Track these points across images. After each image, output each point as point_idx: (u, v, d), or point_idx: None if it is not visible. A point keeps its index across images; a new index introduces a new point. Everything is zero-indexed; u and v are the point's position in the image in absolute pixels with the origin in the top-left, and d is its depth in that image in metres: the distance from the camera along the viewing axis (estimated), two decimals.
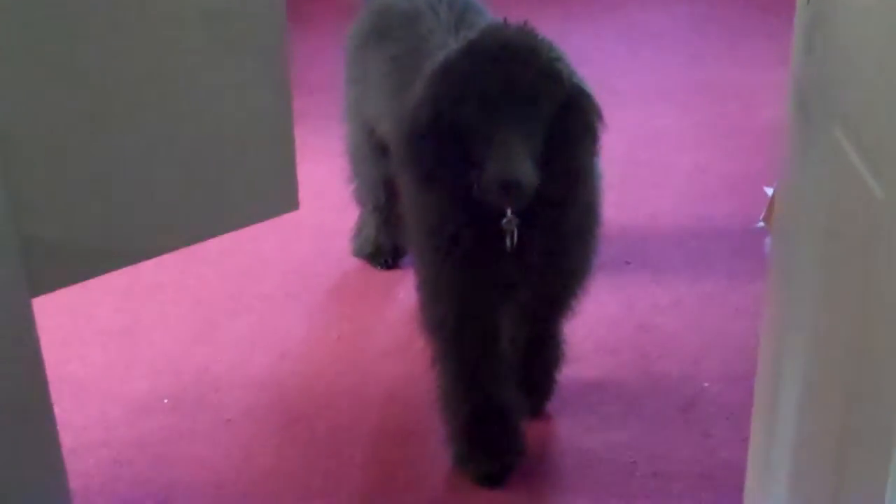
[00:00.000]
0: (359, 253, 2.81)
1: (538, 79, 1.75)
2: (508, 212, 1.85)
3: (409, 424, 2.27)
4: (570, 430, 2.23)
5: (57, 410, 1.60)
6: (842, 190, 1.28)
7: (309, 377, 2.41)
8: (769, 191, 2.82)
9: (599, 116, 1.86)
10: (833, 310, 1.34)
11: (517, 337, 2.16)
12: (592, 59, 3.70)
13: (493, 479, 2.09)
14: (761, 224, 2.83)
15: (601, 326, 2.50)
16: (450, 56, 1.82)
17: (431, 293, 2.05)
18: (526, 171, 1.72)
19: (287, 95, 1.69)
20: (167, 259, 1.94)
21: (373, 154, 2.58)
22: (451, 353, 2.08)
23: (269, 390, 2.37)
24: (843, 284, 1.30)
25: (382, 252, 2.77)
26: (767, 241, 2.78)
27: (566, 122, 1.81)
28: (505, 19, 1.87)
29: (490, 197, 1.76)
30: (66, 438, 1.78)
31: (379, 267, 2.78)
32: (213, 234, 1.75)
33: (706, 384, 2.35)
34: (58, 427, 1.60)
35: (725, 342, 2.47)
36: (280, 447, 2.21)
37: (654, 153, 3.28)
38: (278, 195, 1.74)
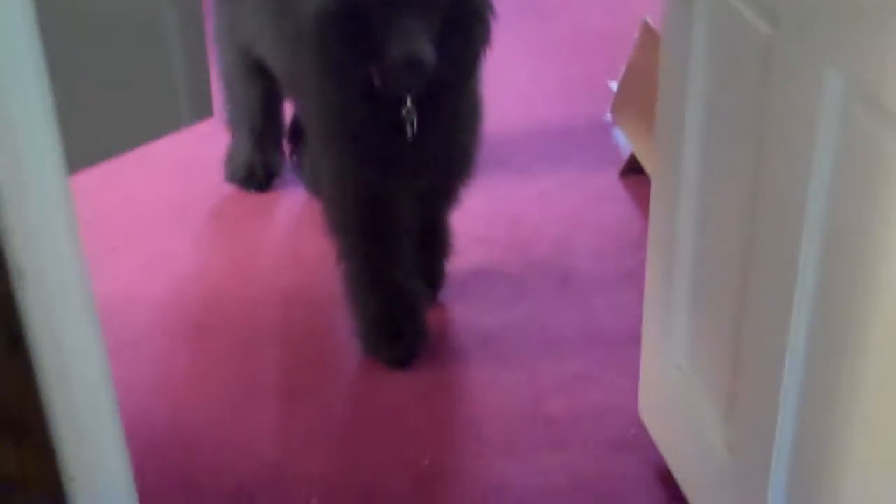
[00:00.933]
0: (231, 178, 2.86)
1: None
2: (408, 100, 1.96)
3: (313, 325, 2.38)
4: (464, 313, 2.38)
5: None
6: (726, 34, 1.46)
7: (208, 293, 2.48)
8: (613, 85, 3.03)
9: (491, 8, 1.99)
10: (725, 153, 1.53)
11: (410, 228, 2.28)
12: None
13: (403, 362, 2.23)
14: (608, 117, 3.05)
15: (479, 221, 2.66)
16: None
17: (337, 190, 2.17)
18: (426, 49, 1.85)
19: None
20: None
21: (248, 76, 2.63)
22: (358, 246, 2.20)
23: (171, 310, 2.44)
24: (732, 124, 1.48)
25: (256, 176, 2.83)
26: (615, 132, 3.01)
27: (459, 11, 1.93)
28: None
29: (393, 76, 1.88)
30: None
31: (253, 190, 2.84)
32: (132, 146, 1.81)
33: (578, 261, 2.55)
34: None
35: (589, 224, 2.68)
36: (193, 361, 2.29)
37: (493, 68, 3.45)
38: (193, 104, 1.82)
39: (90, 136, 1.65)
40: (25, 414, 1.19)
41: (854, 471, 1.23)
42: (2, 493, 1.19)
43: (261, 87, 2.62)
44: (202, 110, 1.84)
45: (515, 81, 3.37)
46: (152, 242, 2.67)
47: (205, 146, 2.95)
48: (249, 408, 2.15)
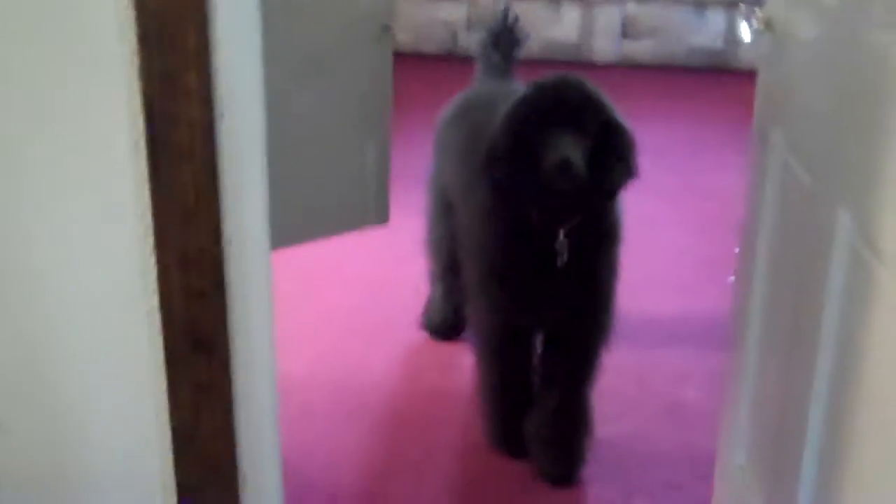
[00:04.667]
0: (426, 326, 3.06)
1: (584, 101, 2.15)
2: (561, 234, 2.20)
3: (453, 417, 2.67)
4: None
5: None
6: (788, 196, 1.73)
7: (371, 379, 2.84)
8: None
9: (633, 149, 2.20)
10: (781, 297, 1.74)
11: (547, 397, 2.42)
12: None
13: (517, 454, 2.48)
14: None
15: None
16: (520, 94, 2.22)
17: (483, 320, 2.42)
18: (575, 155, 2.09)
19: (387, 137, 2.15)
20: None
21: (443, 214, 2.83)
22: (492, 370, 2.46)
23: (345, 392, 2.77)
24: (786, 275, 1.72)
25: (444, 326, 3.01)
26: None
27: (605, 148, 2.15)
28: None
29: (548, 179, 2.09)
30: None
31: (439, 339, 3.02)
32: (325, 236, 2.19)
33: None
34: None
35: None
36: (359, 435, 2.59)
37: (647, 237, 3.77)
38: (373, 207, 2.19)
39: (295, 218, 2.03)
40: None
41: None
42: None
43: (450, 224, 2.76)
44: (382, 215, 2.21)
45: (661, 249, 3.67)
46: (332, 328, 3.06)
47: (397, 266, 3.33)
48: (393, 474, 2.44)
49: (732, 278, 3.20)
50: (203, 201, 1.37)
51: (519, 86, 2.38)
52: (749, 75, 1.89)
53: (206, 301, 1.41)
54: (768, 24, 1.82)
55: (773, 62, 1.83)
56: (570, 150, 2.09)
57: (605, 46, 6.04)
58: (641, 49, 6.05)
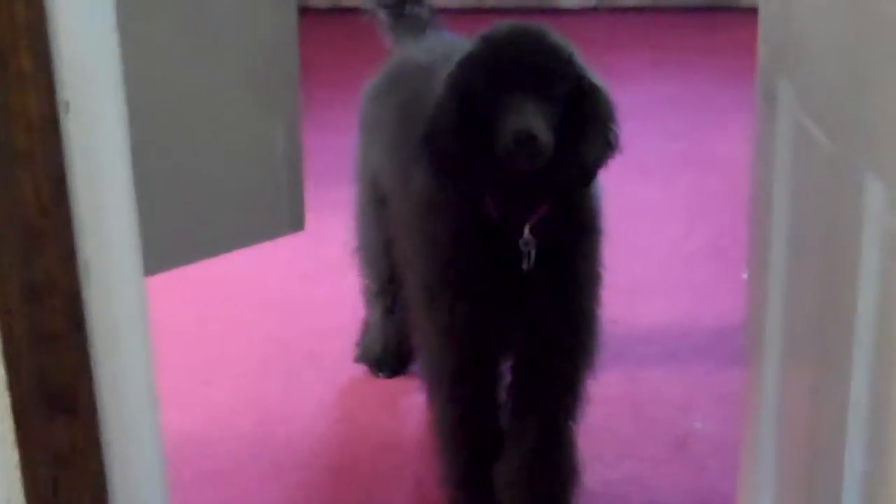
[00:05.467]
0: (362, 358, 3.07)
1: (548, 56, 2.14)
2: (526, 231, 2.19)
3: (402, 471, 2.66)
4: None
5: None
6: (803, 166, 1.73)
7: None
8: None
9: (612, 115, 2.21)
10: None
11: (519, 439, 2.41)
12: None
13: None
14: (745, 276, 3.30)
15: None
16: (465, 51, 2.20)
17: (434, 344, 2.41)
18: (540, 126, 2.07)
19: (297, 135, 2.13)
20: None
21: (375, 211, 2.82)
22: (448, 408, 2.45)
23: (257, 448, 2.76)
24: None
25: (388, 358, 3.02)
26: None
27: (577, 116, 2.15)
28: None
29: (506, 156, 2.08)
30: None
31: (382, 376, 3.04)
32: (221, 251, 2.16)
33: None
34: None
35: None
36: (286, 498, 2.60)
37: (638, 220, 3.79)
38: (285, 210, 2.17)
39: (182, 231, 2.00)
40: None
41: None
42: None
43: (387, 228, 2.77)
44: (296, 219, 2.19)
45: (657, 242, 3.69)
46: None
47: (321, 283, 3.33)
48: None
49: (745, 275, 3.22)
50: (50, 217, 1.34)
51: (464, 41, 2.39)
52: (755, 13, 1.90)
53: (60, 345, 1.38)
54: None
55: None
56: (533, 118, 2.08)
57: None
58: None
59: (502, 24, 2.22)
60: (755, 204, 1.95)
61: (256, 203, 2.17)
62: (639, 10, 6.04)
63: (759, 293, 1.95)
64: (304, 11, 2.06)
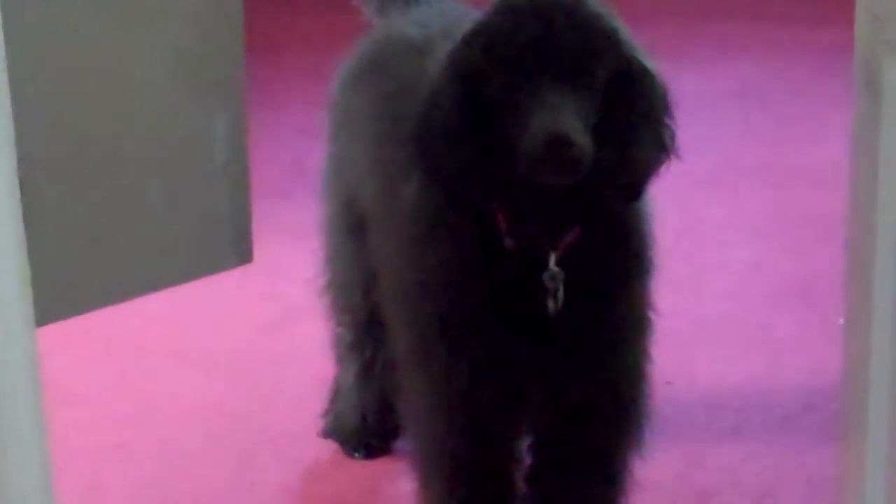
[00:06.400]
0: (331, 433, 3.01)
1: (586, 29, 2.10)
2: (552, 260, 2.18)
3: None
4: None
5: None
6: None
7: None
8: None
9: (667, 110, 2.19)
10: None
11: None
12: None
13: None
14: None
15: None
16: (473, 23, 2.17)
17: (430, 395, 2.38)
18: (576, 126, 2.03)
19: (242, 138, 2.14)
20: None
21: (350, 238, 2.78)
22: (451, 487, 2.43)
23: None
24: None
25: (366, 433, 2.97)
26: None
27: (622, 111, 2.13)
28: None
29: (529, 167, 2.04)
30: None
31: (357, 456, 2.98)
32: (143, 292, 2.17)
33: None
34: None
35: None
36: None
37: (701, 248, 3.78)
38: (228, 240, 2.18)
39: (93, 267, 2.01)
40: None
41: None
42: None
43: (366, 260, 2.73)
44: (243, 250, 2.20)
45: (725, 270, 3.68)
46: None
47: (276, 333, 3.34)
48: None
49: (842, 320, 3.22)
50: None
51: (470, 10, 2.38)
52: None
53: None
54: None
55: None
56: (566, 116, 2.06)
57: None
58: None
59: None
60: (853, 227, 1.94)
61: (190, 226, 2.18)
62: None
63: (859, 343, 1.95)
64: None
